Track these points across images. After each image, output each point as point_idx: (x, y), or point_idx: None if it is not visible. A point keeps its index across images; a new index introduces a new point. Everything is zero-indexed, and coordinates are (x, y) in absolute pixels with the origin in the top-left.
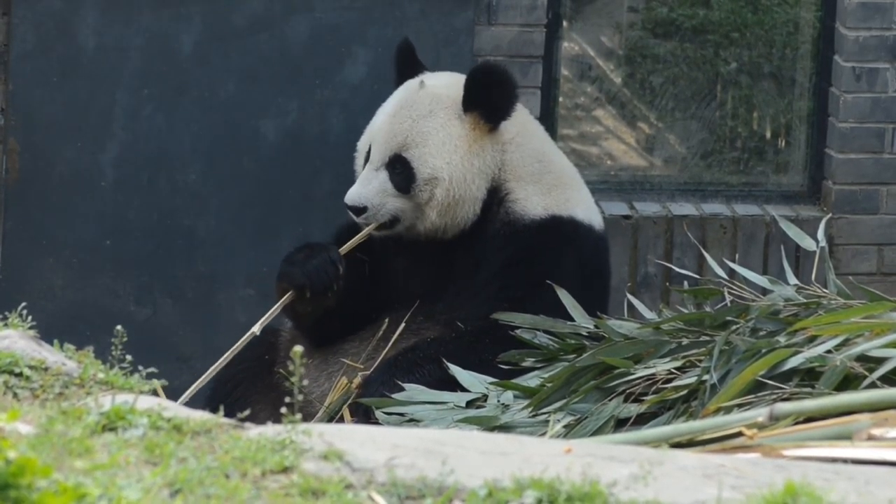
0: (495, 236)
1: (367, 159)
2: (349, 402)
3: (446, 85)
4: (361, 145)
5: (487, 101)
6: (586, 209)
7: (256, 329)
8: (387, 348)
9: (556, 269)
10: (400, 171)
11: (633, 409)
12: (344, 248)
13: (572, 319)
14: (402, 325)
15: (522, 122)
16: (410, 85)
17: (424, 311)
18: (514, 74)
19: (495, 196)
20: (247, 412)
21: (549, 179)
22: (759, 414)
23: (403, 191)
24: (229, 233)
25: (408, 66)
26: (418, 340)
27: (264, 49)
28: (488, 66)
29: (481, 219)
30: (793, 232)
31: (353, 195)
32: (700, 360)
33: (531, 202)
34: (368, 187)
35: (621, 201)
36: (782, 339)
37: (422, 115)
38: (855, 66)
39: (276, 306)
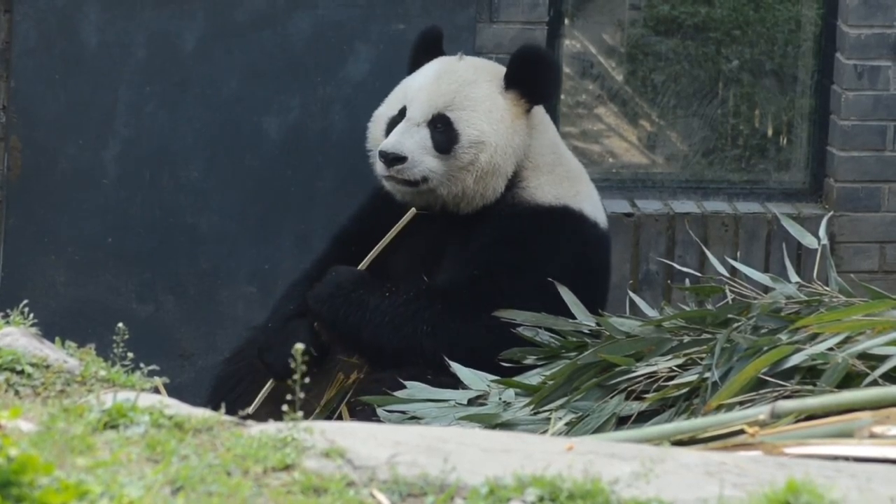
0: (497, 217)
1: (390, 125)
2: (347, 399)
3: (484, 63)
4: (381, 113)
5: (532, 81)
6: (594, 205)
7: (250, 410)
8: None
9: (551, 257)
10: (442, 130)
11: (635, 407)
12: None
13: (564, 309)
14: None
15: (541, 113)
16: (447, 58)
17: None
18: None
19: (512, 180)
20: (248, 410)
21: (560, 171)
22: (761, 411)
23: (444, 151)
24: (231, 230)
25: (432, 52)
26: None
27: (267, 46)
28: (536, 48)
29: (487, 208)
30: (794, 229)
31: (394, 143)
32: (701, 358)
33: (542, 190)
34: (410, 140)
35: (623, 199)
36: (784, 337)
37: (467, 81)
38: (857, 63)
39: (264, 391)
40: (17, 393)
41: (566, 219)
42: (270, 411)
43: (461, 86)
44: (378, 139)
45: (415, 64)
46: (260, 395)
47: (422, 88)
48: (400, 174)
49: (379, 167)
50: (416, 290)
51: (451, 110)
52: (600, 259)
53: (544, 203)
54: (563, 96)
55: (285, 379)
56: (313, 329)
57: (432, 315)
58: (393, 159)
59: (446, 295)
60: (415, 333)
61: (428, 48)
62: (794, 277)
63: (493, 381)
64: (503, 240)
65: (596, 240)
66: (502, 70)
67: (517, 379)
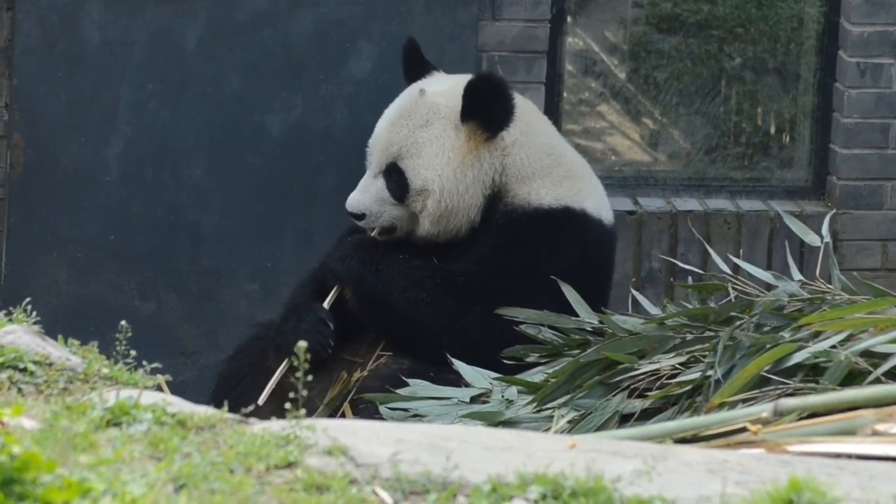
0: (493, 227)
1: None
2: (350, 397)
3: (446, 93)
4: (370, 146)
5: (485, 112)
6: (597, 202)
7: (261, 401)
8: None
9: (553, 257)
10: (395, 179)
11: (637, 405)
12: (326, 302)
13: (567, 310)
14: None
15: (528, 120)
16: (412, 91)
17: None
18: (519, 70)
19: (495, 199)
20: (251, 407)
21: (559, 172)
22: (764, 409)
23: (399, 199)
24: (233, 228)
25: (415, 65)
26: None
27: (268, 44)
28: (485, 78)
29: (482, 221)
30: (797, 227)
31: (353, 202)
32: (704, 356)
33: (538, 195)
34: (366, 195)
35: (625, 197)
36: (786, 335)
37: (419, 124)
38: (859, 61)
39: (276, 375)
40: (19, 390)
41: (567, 220)
42: (273, 409)
43: (412, 131)
44: None
45: (407, 76)
46: (273, 378)
47: (379, 137)
48: (367, 226)
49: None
50: (426, 262)
51: (401, 159)
52: (603, 257)
53: (543, 206)
54: (565, 94)
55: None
56: (324, 308)
57: (433, 286)
58: (354, 216)
59: (449, 276)
60: (416, 300)
61: (412, 62)
62: (797, 275)
63: (495, 378)
64: (502, 245)
65: (599, 238)
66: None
67: (520, 377)
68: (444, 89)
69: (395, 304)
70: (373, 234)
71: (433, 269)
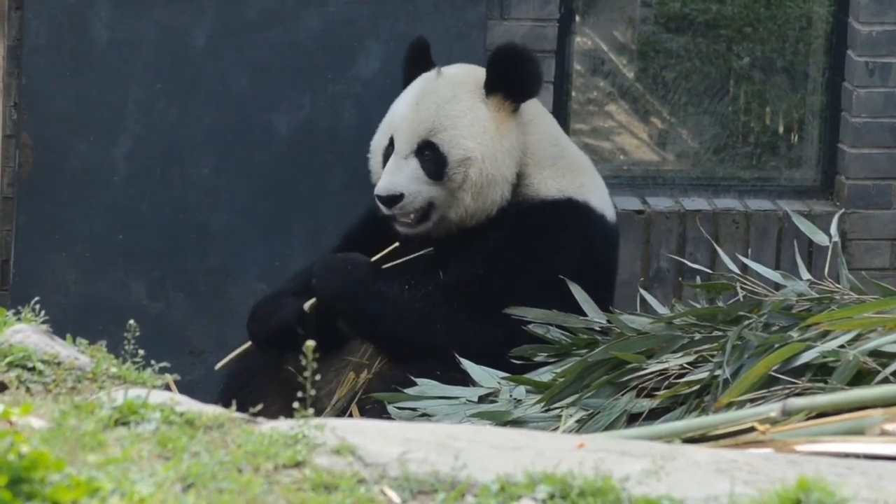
0: (502, 216)
1: (385, 155)
2: (357, 397)
3: (464, 72)
4: (377, 143)
5: (512, 80)
6: (601, 197)
7: (218, 367)
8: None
9: (557, 251)
10: (430, 156)
11: (646, 404)
12: (307, 306)
13: (573, 305)
14: None
15: (536, 107)
16: (427, 75)
17: None
18: None
19: (517, 179)
20: (259, 407)
21: (563, 164)
22: (772, 409)
23: (436, 177)
24: (241, 227)
25: (420, 63)
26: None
27: (277, 43)
28: (511, 46)
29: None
30: (805, 227)
31: (386, 184)
32: (712, 355)
33: (545, 185)
34: (401, 175)
35: (633, 196)
36: (795, 334)
37: (445, 99)
38: (868, 60)
39: (238, 351)
40: (28, 390)
41: (571, 212)
42: (281, 408)
43: (440, 106)
44: (378, 171)
45: (406, 77)
46: (233, 354)
47: (404, 118)
48: (402, 210)
49: (383, 209)
50: (433, 286)
51: (434, 135)
52: (607, 252)
53: (548, 197)
54: (573, 93)
55: (262, 348)
56: (301, 309)
57: (447, 313)
58: (390, 200)
59: (460, 294)
60: (429, 331)
61: (416, 60)
62: (805, 275)
63: (503, 378)
64: (509, 238)
65: (602, 233)
66: (483, 75)
67: (528, 376)
68: (460, 70)
69: (406, 336)
70: (403, 227)
71: (445, 292)
